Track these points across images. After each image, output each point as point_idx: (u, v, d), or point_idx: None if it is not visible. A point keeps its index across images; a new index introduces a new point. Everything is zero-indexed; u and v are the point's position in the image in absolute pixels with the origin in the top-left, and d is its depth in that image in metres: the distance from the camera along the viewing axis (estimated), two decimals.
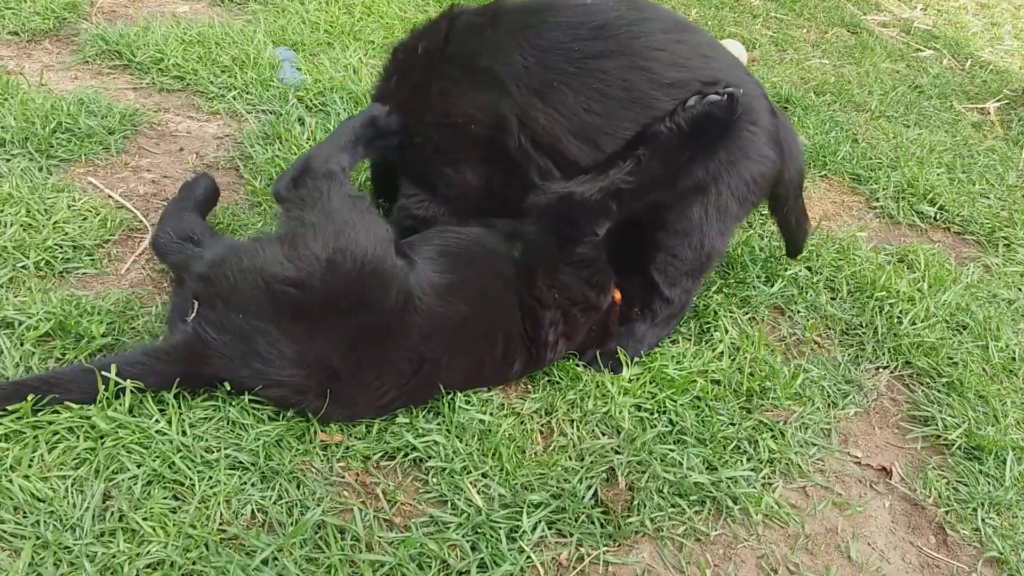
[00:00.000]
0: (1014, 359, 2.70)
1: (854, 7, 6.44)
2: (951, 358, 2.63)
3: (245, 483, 1.79)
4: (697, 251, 2.32)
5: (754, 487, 2.03)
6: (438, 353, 1.95)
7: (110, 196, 2.64)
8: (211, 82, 3.36)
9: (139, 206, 2.63)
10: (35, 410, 1.79)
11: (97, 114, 2.97)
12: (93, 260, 2.36)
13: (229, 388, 1.88)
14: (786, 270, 2.88)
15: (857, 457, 2.26)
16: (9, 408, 1.77)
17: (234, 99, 3.29)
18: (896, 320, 2.73)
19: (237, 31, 3.72)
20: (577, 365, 2.28)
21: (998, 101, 5.03)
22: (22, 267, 2.25)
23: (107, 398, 1.83)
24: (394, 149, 2.32)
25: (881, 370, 2.59)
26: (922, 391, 2.52)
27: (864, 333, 2.69)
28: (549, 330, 2.17)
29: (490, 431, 2.02)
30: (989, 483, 2.21)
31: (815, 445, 2.23)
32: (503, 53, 2.22)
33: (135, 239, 2.51)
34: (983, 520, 2.11)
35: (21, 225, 2.35)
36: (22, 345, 2.00)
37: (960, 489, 2.20)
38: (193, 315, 1.84)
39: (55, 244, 2.34)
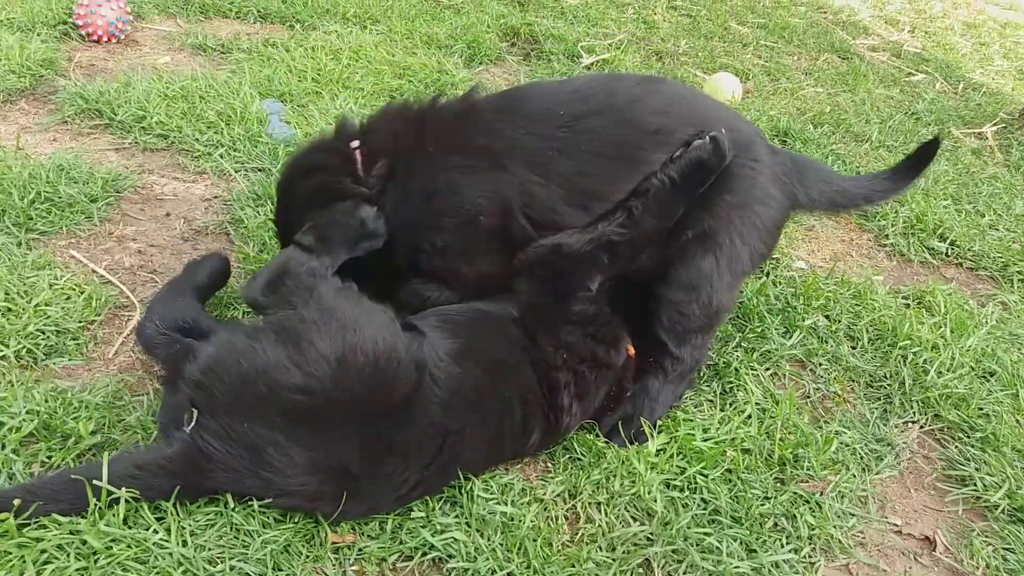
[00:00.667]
0: None
1: (843, 32, 6.42)
2: (982, 409, 2.52)
3: None
4: (705, 307, 2.20)
5: (796, 571, 1.90)
6: (460, 423, 1.82)
7: (94, 271, 2.50)
8: (196, 139, 3.23)
9: (125, 280, 2.49)
10: (20, 526, 1.64)
11: (78, 180, 2.84)
12: (78, 344, 2.22)
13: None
14: (804, 320, 2.77)
15: (897, 525, 2.14)
16: None
17: (221, 157, 3.16)
18: (921, 370, 2.62)
19: (222, 83, 3.60)
20: (598, 438, 2.15)
21: (994, 125, 4.99)
22: (1, 357, 2.10)
23: (99, 509, 1.68)
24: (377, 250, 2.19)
25: (911, 425, 2.48)
26: (955, 447, 2.40)
27: (890, 385, 2.58)
28: (563, 392, 2.04)
29: (513, 522, 1.88)
30: None
31: (853, 515, 2.11)
32: (494, 130, 2.15)
33: (122, 317, 2.37)
34: None
35: (1, 312, 2.20)
36: (3, 448, 1.84)
37: (1009, 558, 2.08)
38: (191, 425, 1.69)
39: (37, 330, 2.19)
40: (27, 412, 1.90)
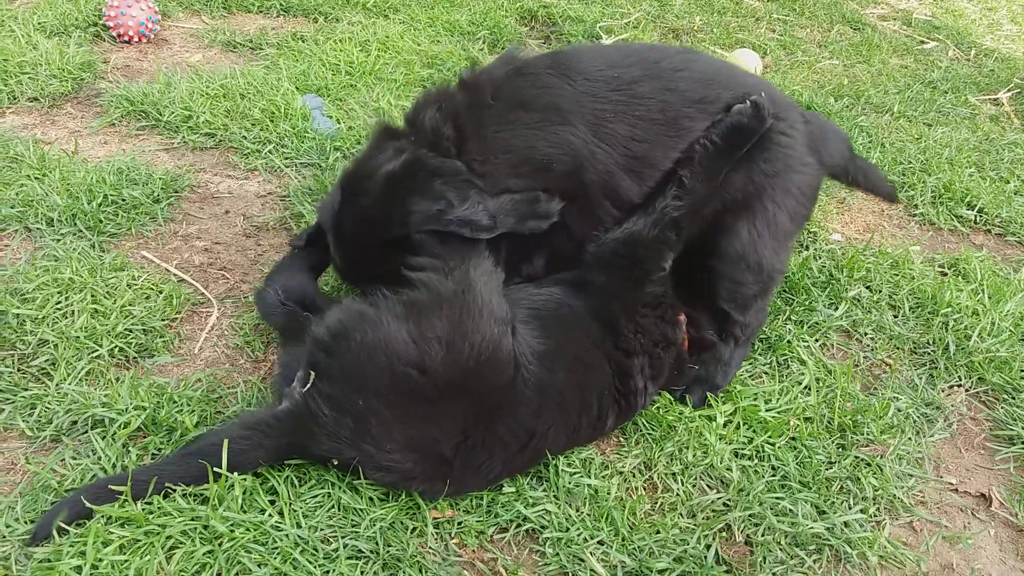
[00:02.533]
0: None
1: (852, 2, 6.46)
2: (1023, 371, 2.62)
3: (367, 573, 1.75)
4: (757, 273, 2.31)
5: (866, 529, 2.01)
6: (546, 424, 1.93)
7: (167, 270, 2.59)
8: (244, 137, 3.32)
9: (198, 278, 2.59)
10: (146, 513, 1.75)
11: (138, 182, 2.92)
12: (165, 342, 2.32)
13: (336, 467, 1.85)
14: (847, 291, 2.88)
15: (953, 484, 2.25)
16: (120, 515, 1.73)
17: (270, 153, 3.25)
18: (964, 335, 2.73)
19: (260, 80, 3.67)
20: (667, 413, 2.25)
21: (1009, 91, 5.05)
22: (96, 357, 2.20)
23: (219, 495, 1.79)
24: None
25: (957, 388, 2.58)
26: (1001, 408, 2.51)
27: (934, 351, 2.68)
28: (638, 376, 2.15)
29: (598, 493, 1.99)
30: None
31: (912, 476, 2.22)
32: (552, 87, 2.19)
33: (201, 314, 2.47)
34: None
35: (89, 313, 2.30)
36: (114, 443, 1.95)
37: None
38: (308, 386, 1.79)
39: (125, 329, 2.29)
40: (134, 408, 2.01)
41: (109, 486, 1.76)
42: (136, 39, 4.13)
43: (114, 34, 4.12)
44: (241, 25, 4.56)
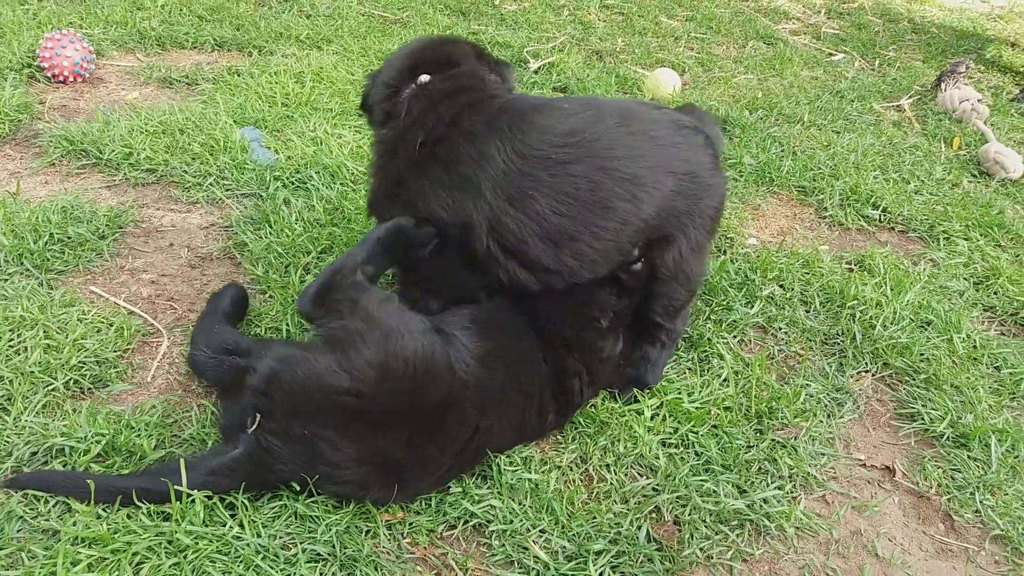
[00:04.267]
0: (975, 347, 2.96)
1: (765, 18, 6.81)
2: (923, 355, 2.87)
3: (326, 574, 1.88)
4: (686, 285, 2.52)
5: (783, 504, 2.21)
6: (488, 419, 2.09)
7: (116, 304, 2.69)
8: (185, 171, 3.42)
9: (147, 310, 2.69)
10: (112, 534, 1.85)
11: (83, 220, 3.01)
12: (119, 372, 2.41)
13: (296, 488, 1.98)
14: (762, 290, 3.10)
15: (861, 460, 2.47)
16: (86, 535, 1.83)
17: (212, 186, 3.36)
18: (869, 325, 2.97)
19: (198, 115, 3.78)
20: (599, 411, 2.43)
21: (910, 97, 5.41)
22: (52, 390, 2.29)
23: (181, 511, 1.91)
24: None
25: (864, 374, 2.82)
26: (904, 389, 2.75)
27: (843, 341, 2.92)
28: (574, 381, 2.33)
29: (538, 487, 2.15)
30: (979, 467, 2.45)
31: (824, 455, 2.44)
32: (487, 159, 2.28)
33: (151, 344, 2.57)
34: (981, 502, 2.34)
35: (42, 348, 2.38)
36: (76, 469, 2.04)
37: (956, 477, 2.42)
38: (254, 427, 1.93)
39: (79, 362, 2.38)
40: (93, 436, 2.10)
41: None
42: (71, 79, 4.20)
43: (49, 75, 4.18)
44: (176, 61, 4.65)
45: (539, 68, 5.10)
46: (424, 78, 2.45)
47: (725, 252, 3.37)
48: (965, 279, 3.41)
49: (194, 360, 2.30)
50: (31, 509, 1.94)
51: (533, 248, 2.30)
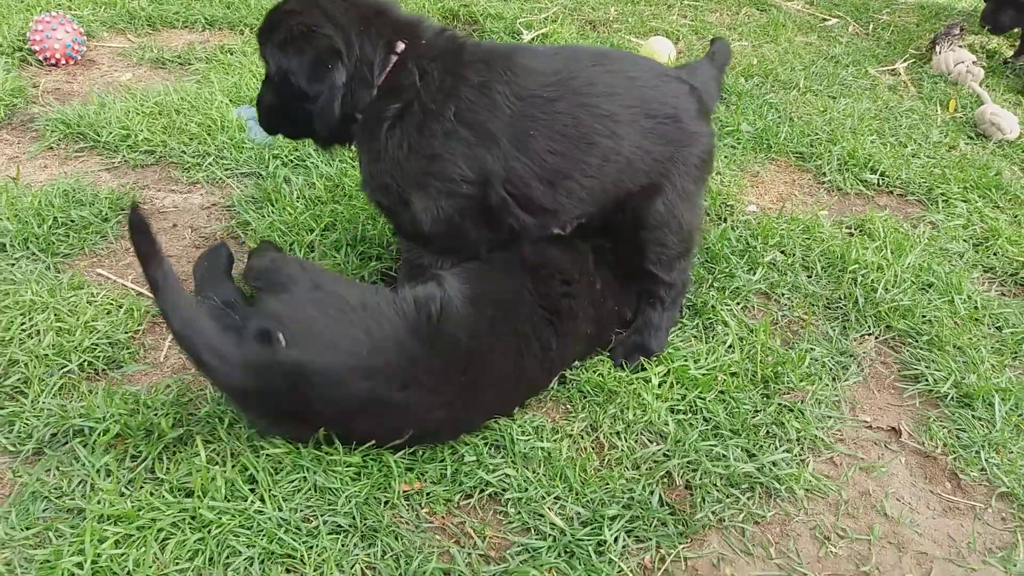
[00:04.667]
0: (976, 308, 2.99)
1: None
2: (925, 316, 2.90)
3: (348, 545, 1.92)
4: (679, 232, 2.55)
5: (792, 467, 2.26)
6: (480, 347, 2.18)
7: (124, 285, 2.70)
8: (183, 152, 3.41)
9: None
10: (137, 511, 1.88)
11: (85, 203, 3.01)
12: (131, 353, 2.43)
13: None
14: (763, 257, 3.13)
15: (867, 422, 2.51)
16: (111, 513, 1.86)
17: (211, 166, 3.35)
18: (871, 289, 3.00)
19: (194, 95, 3.77)
20: (608, 378, 2.46)
21: (905, 61, 5.41)
22: (67, 372, 2.31)
23: (203, 487, 1.94)
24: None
25: (867, 337, 2.85)
26: (907, 351, 2.79)
27: (845, 305, 2.95)
28: (563, 301, 2.42)
29: (551, 456, 2.19)
30: (984, 426, 2.49)
31: (830, 417, 2.47)
32: (497, 107, 2.33)
33: (161, 323, 2.58)
34: (987, 460, 2.38)
35: (55, 331, 2.40)
36: (94, 451, 2.07)
37: (961, 436, 2.47)
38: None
39: (92, 344, 2.40)
40: (110, 416, 2.13)
41: None
42: (63, 61, 4.17)
43: (40, 58, 4.15)
44: (168, 41, 4.62)
45: (533, 39, 5.08)
46: (400, 45, 2.37)
47: (725, 220, 3.39)
48: (964, 241, 3.43)
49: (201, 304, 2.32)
50: (56, 489, 1.97)
51: (535, 190, 2.38)
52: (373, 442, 2.09)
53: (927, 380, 2.65)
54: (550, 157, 2.35)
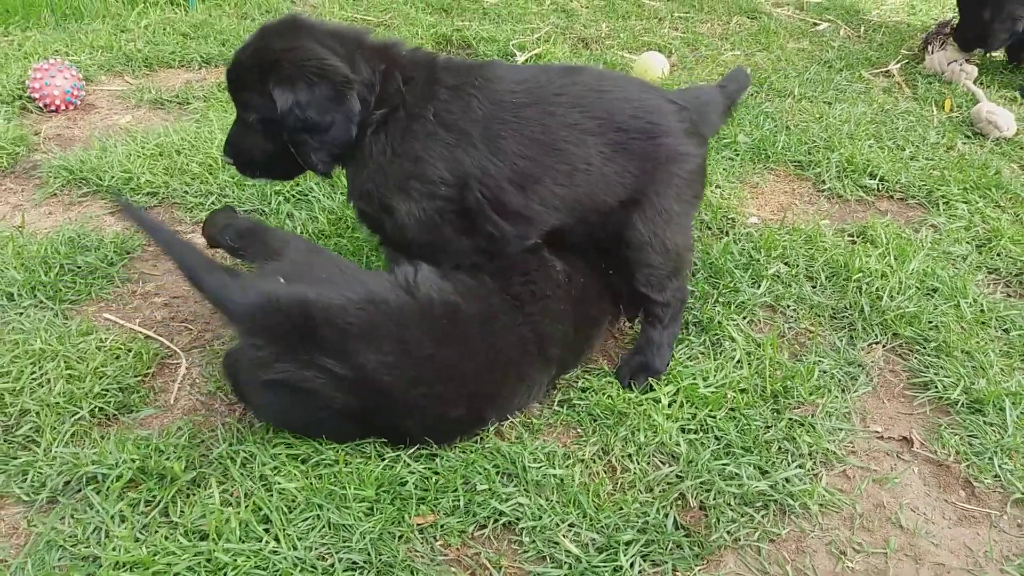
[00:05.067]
0: (983, 311, 2.99)
1: None
2: (931, 322, 2.90)
3: None
4: (664, 253, 2.54)
5: (805, 482, 2.25)
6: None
7: (132, 329, 2.71)
8: (186, 192, 3.44)
9: (163, 333, 2.71)
10: (152, 557, 1.89)
11: (90, 248, 3.04)
12: (142, 397, 2.45)
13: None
14: (767, 269, 3.13)
15: (879, 432, 2.51)
16: (127, 560, 1.87)
17: (214, 205, 3.38)
18: (876, 296, 3.00)
19: (193, 135, 3.80)
20: (617, 400, 2.46)
21: (898, 62, 5.42)
22: (79, 419, 2.32)
23: (218, 529, 1.94)
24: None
25: (875, 346, 2.85)
26: (915, 359, 2.78)
27: (851, 314, 2.95)
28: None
29: (564, 482, 2.19)
30: (996, 432, 2.48)
31: (841, 430, 2.47)
32: (471, 110, 2.42)
33: (170, 366, 2.60)
34: (1000, 467, 2.37)
35: (65, 379, 2.41)
36: (108, 498, 2.08)
37: (973, 443, 2.46)
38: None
39: (102, 390, 2.41)
40: (123, 462, 2.14)
41: None
42: (63, 107, 4.22)
43: (40, 105, 4.20)
44: (165, 81, 4.67)
45: (526, 60, 5.11)
46: (381, 65, 2.44)
47: (727, 233, 3.40)
48: (967, 243, 3.43)
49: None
50: (71, 537, 1.98)
51: (508, 193, 2.42)
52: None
53: (936, 387, 2.65)
54: (520, 161, 2.41)
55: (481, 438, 2.34)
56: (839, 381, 2.65)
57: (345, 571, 1.93)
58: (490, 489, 2.16)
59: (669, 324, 2.63)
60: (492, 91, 2.45)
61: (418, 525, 2.07)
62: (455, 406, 2.25)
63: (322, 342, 2.08)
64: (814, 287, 3.10)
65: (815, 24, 6.26)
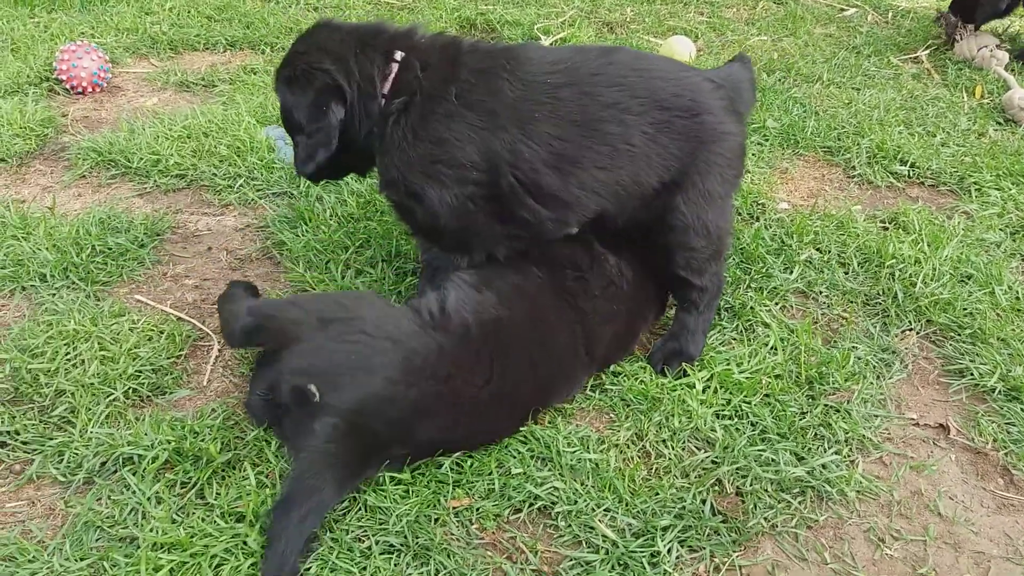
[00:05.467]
0: (1018, 298, 2.95)
1: None
2: (966, 309, 2.86)
3: (401, 564, 1.92)
4: (706, 236, 2.50)
5: (842, 469, 2.23)
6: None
7: (164, 311, 2.72)
8: (214, 174, 3.44)
9: (194, 315, 2.72)
10: (190, 538, 1.90)
11: (121, 230, 3.04)
12: (175, 379, 2.45)
13: None
14: (799, 255, 3.10)
15: (914, 419, 2.48)
16: (165, 541, 1.88)
17: (242, 187, 3.38)
18: (909, 283, 2.96)
19: (221, 117, 3.80)
20: (651, 385, 2.44)
21: (927, 49, 5.35)
22: (113, 400, 2.33)
23: (255, 511, 1.95)
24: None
25: (908, 332, 2.81)
26: (950, 346, 2.75)
27: (885, 301, 2.92)
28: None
29: (599, 467, 2.18)
30: None
31: (877, 416, 2.44)
32: (500, 92, 2.37)
33: (203, 348, 2.60)
34: None
35: (99, 359, 2.42)
36: (143, 479, 2.08)
37: (1011, 430, 2.43)
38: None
39: (135, 371, 2.41)
40: (159, 444, 2.14)
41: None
42: (90, 89, 4.23)
43: (68, 87, 4.20)
44: (191, 64, 4.66)
45: (552, 43, 5.08)
46: (399, 54, 2.43)
47: (758, 218, 3.37)
48: (1001, 230, 3.38)
49: (253, 409, 2.27)
50: (108, 518, 1.99)
51: (544, 176, 2.37)
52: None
53: (972, 374, 2.62)
54: (556, 143, 2.35)
55: None
56: (873, 367, 2.62)
57: (382, 554, 1.93)
58: (525, 473, 2.15)
59: (705, 310, 2.60)
60: (524, 72, 2.39)
61: (454, 508, 2.06)
62: (508, 420, 2.26)
63: (385, 441, 2.06)
64: (847, 273, 3.07)
65: (842, 10, 6.18)
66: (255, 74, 4.38)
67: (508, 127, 2.35)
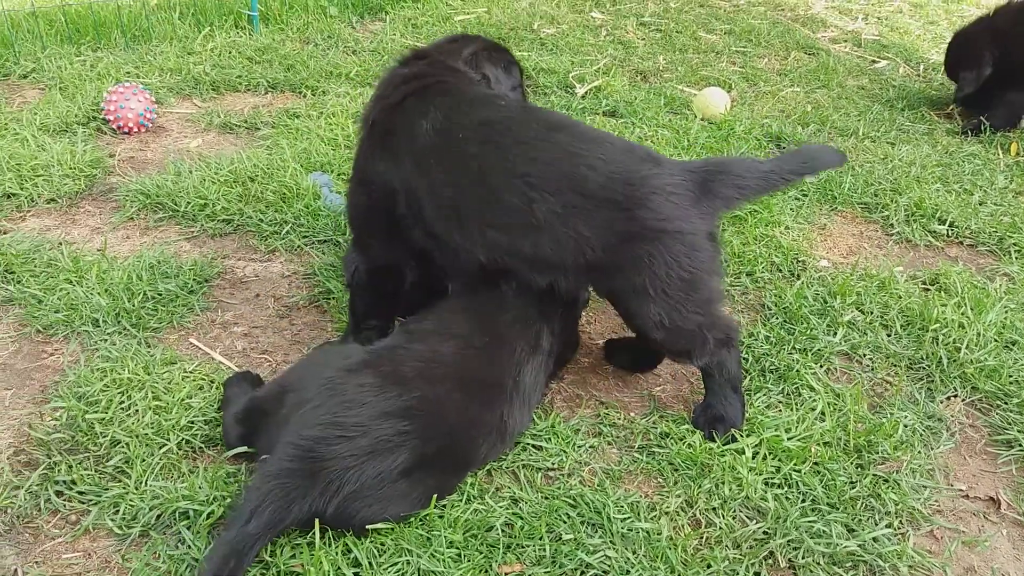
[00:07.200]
0: None
1: (803, 28, 6.79)
2: (1011, 377, 2.85)
3: None
4: (674, 332, 2.40)
5: (894, 543, 2.22)
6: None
7: (214, 359, 2.75)
8: (261, 220, 3.49)
9: (244, 364, 2.74)
10: None
11: (170, 275, 3.08)
12: None
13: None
14: (843, 316, 3.10)
15: (963, 491, 2.47)
16: None
17: (289, 234, 3.42)
18: (953, 348, 2.96)
19: (266, 162, 3.85)
20: (700, 452, 2.44)
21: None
22: (167, 452, 2.35)
23: (308, 570, 1.96)
24: None
25: (953, 399, 2.81)
26: (997, 414, 2.74)
27: (929, 365, 2.91)
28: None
29: (650, 536, 2.17)
30: None
31: (926, 487, 2.43)
32: (414, 136, 2.51)
33: None
34: None
35: (152, 409, 2.44)
36: (197, 534, 2.10)
37: None
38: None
39: (188, 422, 2.44)
40: (213, 499, 2.16)
41: None
42: (136, 130, 4.30)
43: (115, 127, 4.28)
44: (233, 105, 4.74)
45: (586, 93, 5.14)
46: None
47: (799, 276, 3.38)
48: None
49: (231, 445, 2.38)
50: (166, 573, 2.00)
51: (430, 214, 2.50)
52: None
53: (1021, 445, 2.60)
54: (446, 190, 2.46)
55: (562, 483, 2.33)
56: (921, 436, 2.61)
57: None
58: (575, 539, 2.15)
59: (727, 374, 2.50)
60: (447, 123, 2.48)
61: (505, 573, 2.07)
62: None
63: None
64: (890, 336, 3.07)
65: (874, 62, 6.23)
66: (297, 118, 4.45)
67: (407, 164, 2.52)
